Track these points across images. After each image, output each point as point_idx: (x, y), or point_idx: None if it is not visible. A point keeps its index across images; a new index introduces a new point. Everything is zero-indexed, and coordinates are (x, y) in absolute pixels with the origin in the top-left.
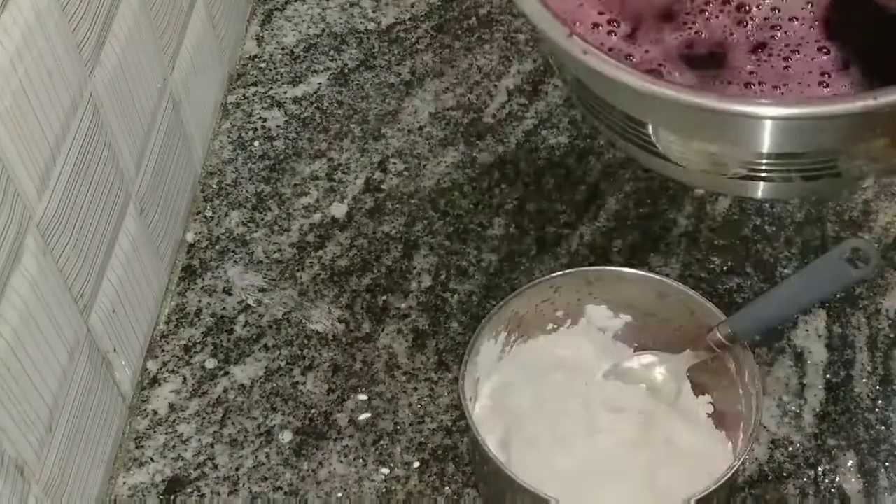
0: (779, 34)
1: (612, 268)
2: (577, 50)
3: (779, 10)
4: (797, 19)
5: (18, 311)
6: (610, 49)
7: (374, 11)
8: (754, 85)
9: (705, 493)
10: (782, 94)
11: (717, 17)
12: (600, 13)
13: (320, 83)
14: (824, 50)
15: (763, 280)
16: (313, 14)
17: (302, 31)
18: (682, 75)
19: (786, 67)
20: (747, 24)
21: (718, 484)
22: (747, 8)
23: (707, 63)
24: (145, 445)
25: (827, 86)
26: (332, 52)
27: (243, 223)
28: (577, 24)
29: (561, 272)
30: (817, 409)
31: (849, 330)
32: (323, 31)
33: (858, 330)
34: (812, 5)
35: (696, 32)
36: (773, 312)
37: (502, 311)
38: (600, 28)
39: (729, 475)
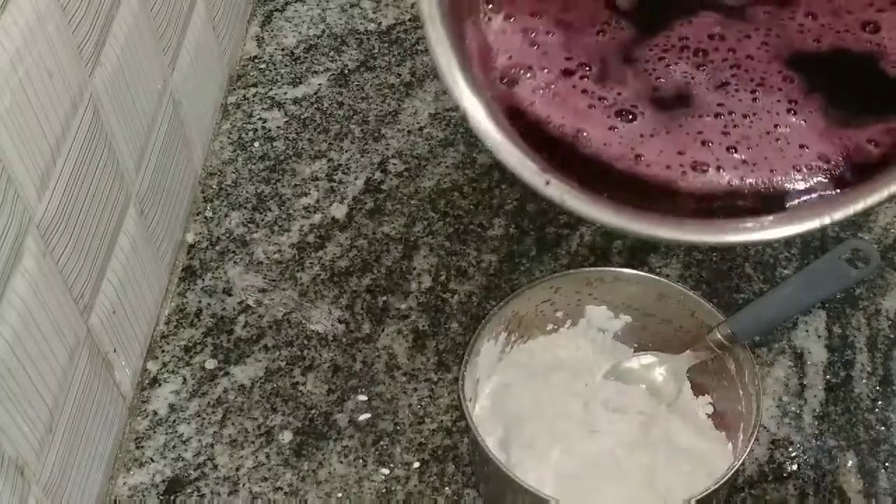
0: (740, 71)
1: (612, 268)
2: (557, 195)
3: (735, 52)
4: (753, 58)
5: (18, 311)
6: (584, 91)
7: (374, 12)
8: (724, 115)
9: (705, 493)
10: (751, 123)
11: (676, 63)
12: (567, 59)
13: (320, 84)
14: (789, 79)
15: (763, 280)
16: (313, 15)
17: (302, 31)
18: (655, 115)
19: (754, 99)
20: (707, 67)
21: (718, 484)
22: (705, 52)
23: (676, 103)
24: (145, 446)
25: (795, 112)
26: (332, 53)
27: (243, 224)
28: (546, 70)
29: (561, 273)
30: (817, 410)
31: (849, 330)
32: (323, 31)
33: (858, 330)
34: (767, 45)
35: (657, 78)
36: (773, 313)
37: (502, 311)
38: (573, 74)
39: (729, 475)
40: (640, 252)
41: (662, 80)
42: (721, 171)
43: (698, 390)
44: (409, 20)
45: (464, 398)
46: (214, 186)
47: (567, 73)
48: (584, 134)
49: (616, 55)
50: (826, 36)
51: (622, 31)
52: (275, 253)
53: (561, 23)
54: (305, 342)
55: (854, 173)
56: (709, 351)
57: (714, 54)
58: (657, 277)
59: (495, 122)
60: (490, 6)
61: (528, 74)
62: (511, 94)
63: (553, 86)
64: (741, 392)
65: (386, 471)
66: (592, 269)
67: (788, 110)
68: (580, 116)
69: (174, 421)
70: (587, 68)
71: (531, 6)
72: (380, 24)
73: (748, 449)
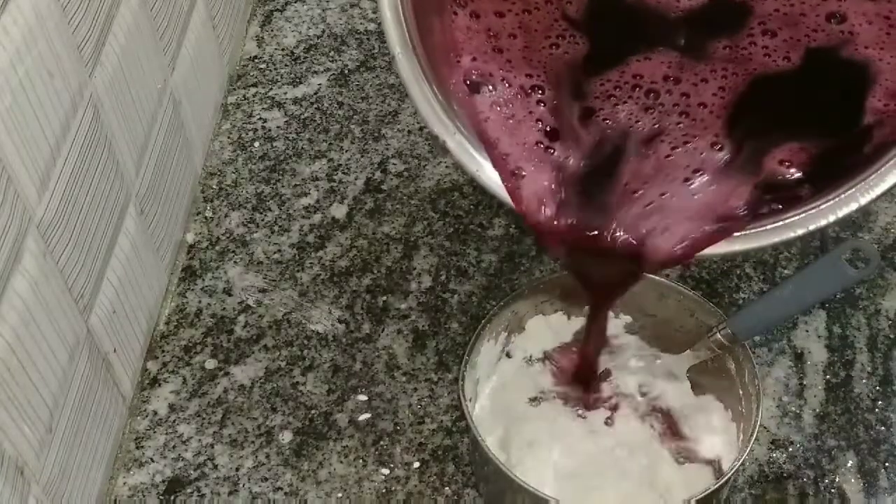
0: (684, 122)
1: None
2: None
3: (688, 97)
4: (706, 105)
5: (18, 311)
6: (538, 121)
7: (374, 12)
8: (630, 182)
9: (705, 493)
10: (646, 185)
11: (624, 102)
12: (528, 75)
13: (320, 84)
14: (717, 146)
15: (763, 280)
16: (313, 15)
17: (302, 31)
18: (583, 184)
19: (667, 156)
20: (654, 110)
21: (718, 484)
22: (656, 94)
23: (607, 163)
24: (145, 446)
25: (692, 182)
26: (332, 53)
27: (243, 224)
28: (507, 84)
29: (561, 273)
30: (817, 410)
31: (849, 330)
32: (323, 31)
33: (858, 330)
34: (724, 90)
35: (604, 119)
36: (773, 313)
37: (502, 311)
38: (530, 97)
39: (729, 475)
40: None
41: (609, 121)
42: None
43: (698, 390)
44: None
45: (464, 398)
46: (214, 186)
47: (524, 92)
48: (522, 175)
49: (570, 80)
50: (795, 49)
51: (577, 46)
52: (275, 253)
53: (523, 26)
54: (305, 342)
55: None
56: (709, 351)
57: (665, 97)
58: (657, 278)
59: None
60: (456, 1)
61: (490, 85)
62: (472, 102)
63: (510, 105)
64: (741, 392)
65: (386, 471)
66: None
67: (686, 179)
68: (525, 156)
69: (174, 421)
70: (541, 91)
71: (495, 5)
72: (380, 24)
73: (748, 449)
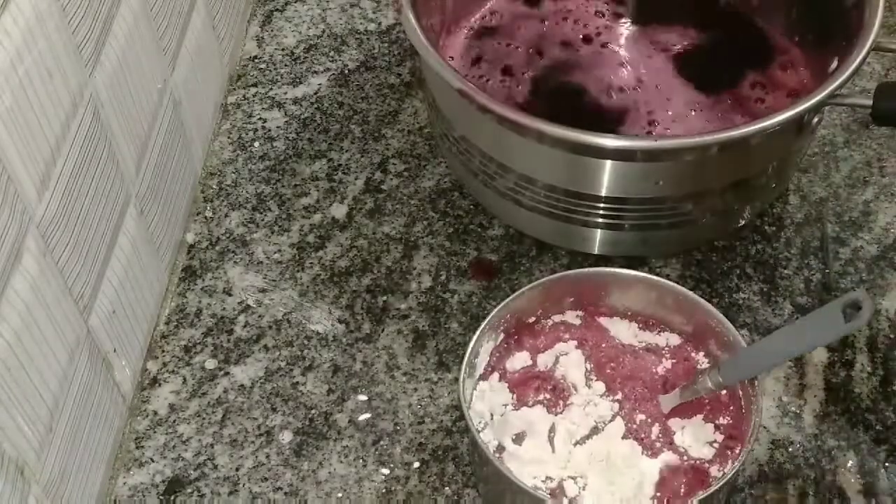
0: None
1: (611, 269)
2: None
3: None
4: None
5: (18, 311)
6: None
7: (374, 12)
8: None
9: (706, 493)
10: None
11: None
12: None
13: (320, 84)
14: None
15: (763, 280)
16: (313, 15)
17: (302, 31)
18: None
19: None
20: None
21: (719, 484)
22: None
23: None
24: (145, 446)
25: None
26: (332, 53)
27: (243, 224)
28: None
29: (560, 273)
30: (817, 410)
31: None
32: (323, 31)
33: (858, 330)
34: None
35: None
36: (763, 362)
37: (502, 311)
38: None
39: (729, 476)
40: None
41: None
42: None
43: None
44: None
45: (464, 399)
46: (214, 186)
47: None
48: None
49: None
50: None
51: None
52: (275, 253)
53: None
54: (305, 342)
55: None
56: (695, 393)
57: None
58: (656, 278)
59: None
60: None
61: None
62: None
63: None
64: (741, 393)
65: (386, 471)
66: (592, 269)
67: None
68: None
69: (174, 421)
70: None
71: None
72: (380, 24)
73: (749, 449)
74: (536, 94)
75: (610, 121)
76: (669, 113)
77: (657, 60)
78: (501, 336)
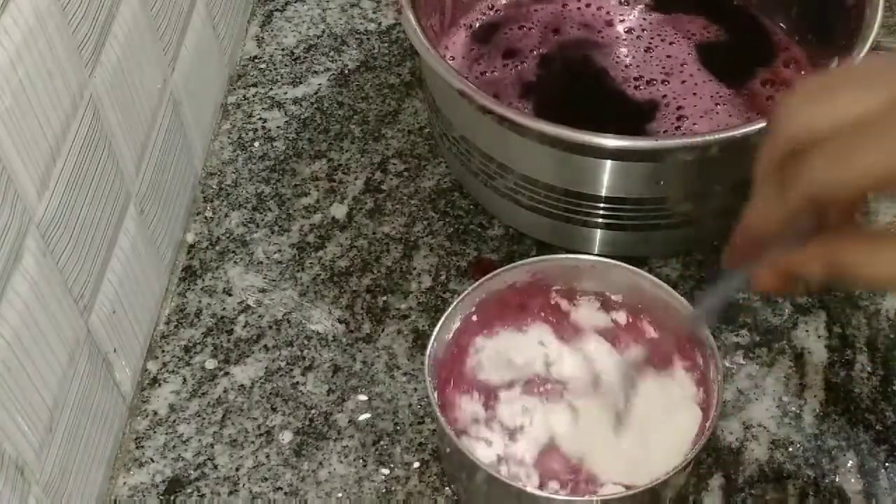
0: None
1: (589, 256)
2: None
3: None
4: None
5: (18, 311)
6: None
7: (374, 12)
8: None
9: (666, 477)
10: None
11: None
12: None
13: (320, 84)
14: None
15: None
16: (313, 15)
17: (302, 31)
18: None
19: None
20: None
21: (676, 470)
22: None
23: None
24: (145, 446)
25: None
26: (332, 53)
27: (243, 224)
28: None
29: (536, 258)
30: (817, 409)
31: (849, 330)
32: (323, 31)
33: (858, 330)
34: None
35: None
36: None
37: (473, 293)
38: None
39: (692, 456)
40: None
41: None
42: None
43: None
44: None
45: (430, 383)
46: (214, 186)
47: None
48: None
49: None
50: None
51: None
52: (275, 253)
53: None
54: (305, 342)
55: None
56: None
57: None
58: (633, 268)
59: None
60: None
61: None
62: None
63: None
64: (713, 366)
65: (386, 471)
66: (569, 255)
67: None
68: None
69: (174, 421)
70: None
71: None
72: (380, 24)
73: (712, 426)
74: (549, 72)
75: (638, 114)
76: (696, 107)
77: (680, 48)
78: (473, 318)
